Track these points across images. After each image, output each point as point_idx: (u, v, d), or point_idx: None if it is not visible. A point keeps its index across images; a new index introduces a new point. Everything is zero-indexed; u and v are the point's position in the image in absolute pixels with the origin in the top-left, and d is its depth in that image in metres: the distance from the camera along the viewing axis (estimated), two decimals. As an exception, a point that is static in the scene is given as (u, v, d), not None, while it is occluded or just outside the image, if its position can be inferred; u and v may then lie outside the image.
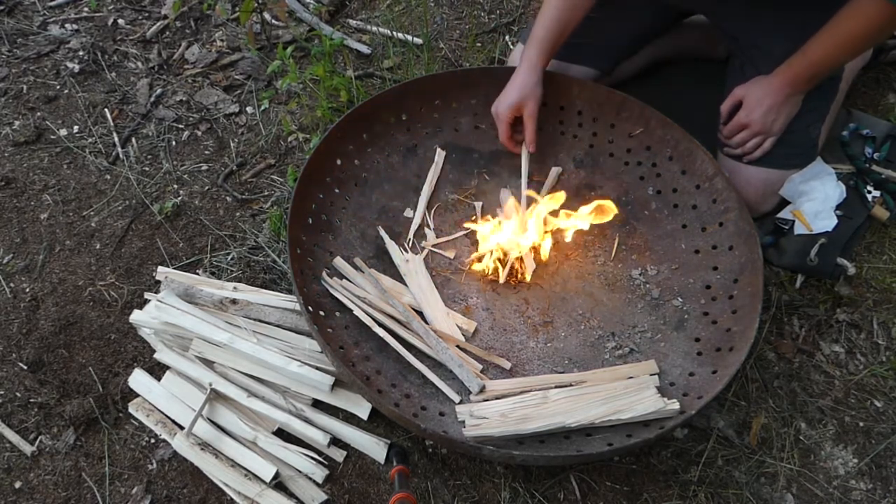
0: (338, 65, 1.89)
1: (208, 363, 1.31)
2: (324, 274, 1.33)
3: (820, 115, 1.45)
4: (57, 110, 1.78)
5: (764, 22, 1.38)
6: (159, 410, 1.29)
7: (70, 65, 1.86)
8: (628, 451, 1.27)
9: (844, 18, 1.21)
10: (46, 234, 1.55)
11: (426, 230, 1.48)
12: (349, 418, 1.29)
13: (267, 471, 1.20)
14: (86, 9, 2.02)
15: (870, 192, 1.55)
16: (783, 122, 1.39)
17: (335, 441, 1.26)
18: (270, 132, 1.75)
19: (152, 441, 1.28)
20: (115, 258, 1.52)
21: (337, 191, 1.45)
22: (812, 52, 1.28)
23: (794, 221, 1.49)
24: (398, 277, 1.39)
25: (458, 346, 1.29)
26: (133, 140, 1.73)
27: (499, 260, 1.41)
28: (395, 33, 1.93)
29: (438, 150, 1.53)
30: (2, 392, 1.33)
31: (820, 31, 1.25)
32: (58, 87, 1.83)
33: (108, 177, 1.66)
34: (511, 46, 1.91)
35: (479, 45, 1.93)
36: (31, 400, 1.32)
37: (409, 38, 1.91)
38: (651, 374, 1.24)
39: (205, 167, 1.69)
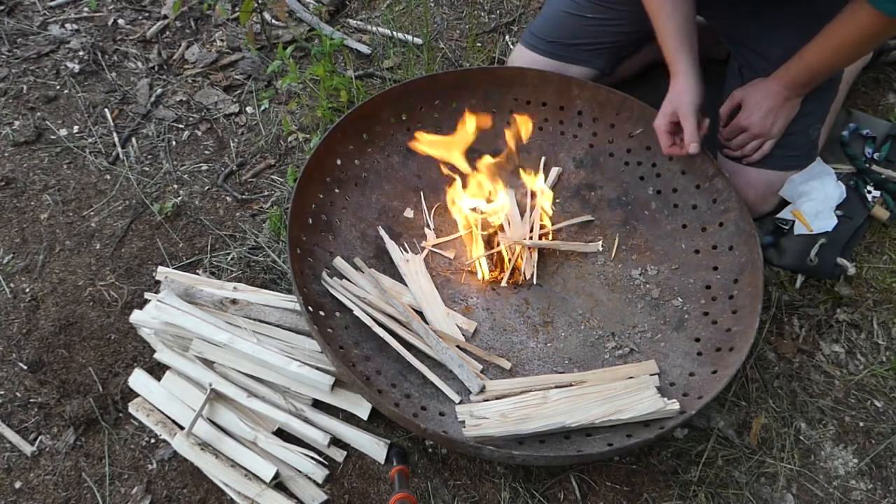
0: (338, 65, 1.89)
1: (208, 363, 1.31)
2: (324, 274, 1.33)
3: (819, 117, 1.45)
4: (57, 110, 1.78)
5: (760, 26, 1.38)
6: (159, 410, 1.29)
7: (70, 65, 1.86)
8: (628, 451, 1.27)
9: (839, 25, 1.22)
10: (46, 234, 1.55)
11: (426, 230, 1.48)
12: (349, 418, 1.29)
13: (267, 471, 1.20)
14: (86, 9, 2.02)
15: (870, 192, 1.55)
16: (782, 124, 1.39)
17: (335, 441, 1.26)
18: (270, 132, 1.75)
19: (152, 441, 1.28)
20: (115, 258, 1.52)
21: (337, 191, 1.45)
22: (809, 56, 1.29)
23: (794, 221, 1.49)
24: (398, 277, 1.39)
25: (458, 346, 1.29)
26: (133, 140, 1.73)
27: (499, 259, 1.41)
28: (395, 33, 1.93)
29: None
30: (2, 392, 1.33)
31: (817, 37, 1.26)
32: (58, 87, 1.83)
33: (108, 177, 1.66)
34: (511, 46, 1.91)
35: (479, 45, 1.93)
36: (31, 400, 1.32)
37: (409, 38, 1.91)
38: (651, 374, 1.24)
39: (205, 167, 1.69)
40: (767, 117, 1.37)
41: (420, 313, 1.34)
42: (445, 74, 1.53)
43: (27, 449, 1.27)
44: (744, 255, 1.32)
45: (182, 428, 1.26)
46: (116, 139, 1.72)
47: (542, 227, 1.46)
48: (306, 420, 1.26)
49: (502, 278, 1.40)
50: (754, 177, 1.46)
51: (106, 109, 1.78)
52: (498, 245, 1.42)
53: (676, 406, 1.14)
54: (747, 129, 1.40)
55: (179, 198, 1.62)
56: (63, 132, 1.74)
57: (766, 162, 1.44)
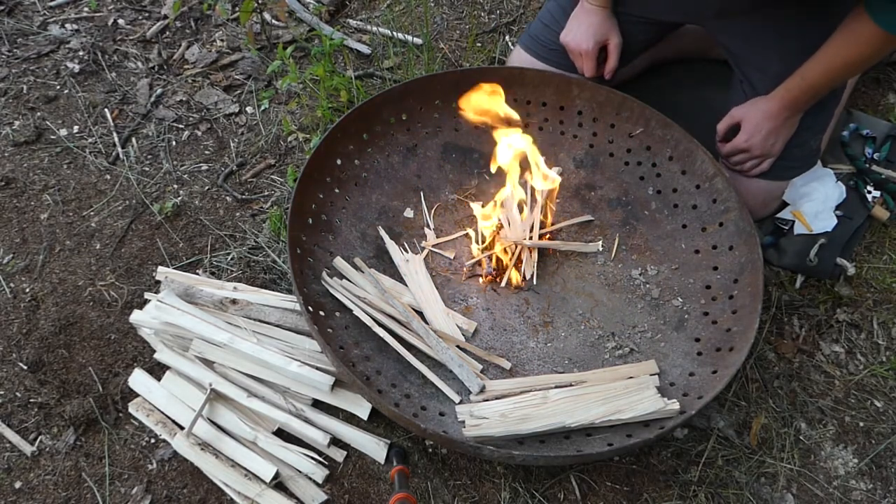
0: (338, 65, 1.89)
1: (208, 363, 1.31)
2: (324, 274, 1.33)
3: (821, 128, 1.44)
4: (57, 110, 1.78)
5: (758, 41, 1.37)
6: (159, 410, 1.29)
7: (70, 65, 1.86)
8: (628, 451, 1.27)
9: (840, 42, 1.20)
10: (46, 234, 1.55)
11: (426, 230, 1.48)
12: (349, 418, 1.29)
13: (267, 471, 1.20)
14: (86, 9, 2.02)
15: (870, 192, 1.55)
16: (782, 143, 1.39)
17: (335, 441, 1.26)
18: (270, 132, 1.75)
19: (152, 441, 1.28)
20: (115, 258, 1.52)
21: (337, 191, 1.45)
22: (810, 75, 1.27)
23: (793, 222, 1.49)
24: (398, 277, 1.39)
25: (458, 346, 1.29)
26: (133, 140, 1.73)
27: (499, 260, 1.41)
28: (395, 33, 1.93)
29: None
30: (2, 392, 1.33)
31: (817, 54, 1.24)
32: (58, 87, 1.83)
33: (108, 177, 1.66)
34: (511, 46, 1.91)
35: (479, 45, 1.93)
36: (31, 400, 1.32)
37: (409, 38, 1.91)
38: (651, 374, 1.24)
39: (205, 167, 1.69)
40: (768, 139, 1.36)
41: (420, 313, 1.34)
42: (445, 74, 1.53)
43: (27, 449, 1.27)
44: (744, 255, 1.32)
45: (182, 428, 1.26)
46: (116, 139, 1.72)
47: (542, 226, 1.46)
48: (306, 420, 1.26)
49: (502, 279, 1.40)
50: (755, 186, 1.46)
51: (106, 109, 1.78)
52: (499, 244, 1.42)
53: (676, 406, 1.14)
54: (748, 151, 1.39)
55: (179, 198, 1.62)
56: (63, 132, 1.74)
57: (766, 174, 1.44)
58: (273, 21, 2.00)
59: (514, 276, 1.40)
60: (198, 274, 1.47)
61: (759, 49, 1.37)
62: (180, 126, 1.77)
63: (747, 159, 1.41)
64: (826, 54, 1.23)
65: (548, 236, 1.47)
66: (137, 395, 1.32)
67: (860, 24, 1.15)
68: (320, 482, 1.22)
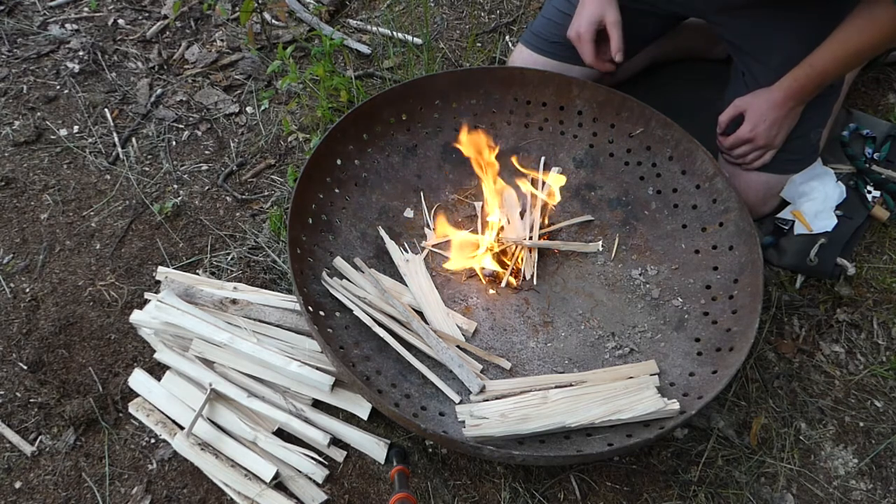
0: (338, 65, 1.89)
1: (208, 363, 1.31)
2: (324, 274, 1.33)
3: (821, 121, 1.44)
4: (57, 110, 1.78)
5: (761, 34, 1.37)
6: (159, 410, 1.29)
7: (70, 65, 1.86)
8: (628, 451, 1.27)
9: (854, 27, 1.19)
10: (46, 234, 1.55)
11: (426, 230, 1.48)
12: (349, 418, 1.29)
13: (267, 471, 1.20)
14: (86, 9, 2.02)
15: (870, 192, 1.55)
16: (785, 134, 1.38)
17: (335, 441, 1.26)
18: (270, 132, 1.75)
19: (152, 441, 1.28)
20: (115, 258, 1.52)
21: (337, 191, 1.45)
22: (819, 62, 1.26)
23: (794, 221, 1.49)
24: (398, 277, 1.39)
25: (458, 346, 1.29)
26: (133, 140, 1.73)
27: (499, 261, 1.41)
28: (395, 33, 1.93)
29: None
30: (2, 392, 1.33)
31: (827, 42, 1.23)
32: (58, 87, 1.83)
33: (108, 177, 1.66)
34: (511, 46, 1.91)
35: (479, 45, 1.93)
36: (31, 400, 1.32)
37: (409, 38, 1.91)
38: (651, 374, 1.24)
39: (205, 167, 1.69)
40: (772, 129, 1.36)
41: (420, 313, 1.34)
42: (445, 74, 1.53)
43: (27, 449, 1.27)
44: (744, 255, 1.32)
45: (182, 428, 1.26)
46: (116, 139, 1.72)
47: (542, 226, 1.46)
48: (306, 420, 1.26)
49: (502, 278, 1.40)
50: (754, 179, 1.45)
51: (106, 109, 1.78)
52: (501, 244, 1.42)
53: (676, 406, 1.14)
54: (751, 141, 1.39)
55: (179, 198, 1.62)
56: (63, 132, 1.74)
57: (766, 166, 1.44)
58: (273, 21, 2.00)
59: (512, 279, 1.40)
60: (198, 274, 1.47)
61: (763, 42, 1.37)
62: (180, 126, 1.77)
63: (750, 150, 1.41)
64: (838, 40, 1.22)
65: (548, 236, 1.47)
66: (137, 395, 1.32)
67: (880, 8, 1.14)
68: (320, 482, 1.22)
